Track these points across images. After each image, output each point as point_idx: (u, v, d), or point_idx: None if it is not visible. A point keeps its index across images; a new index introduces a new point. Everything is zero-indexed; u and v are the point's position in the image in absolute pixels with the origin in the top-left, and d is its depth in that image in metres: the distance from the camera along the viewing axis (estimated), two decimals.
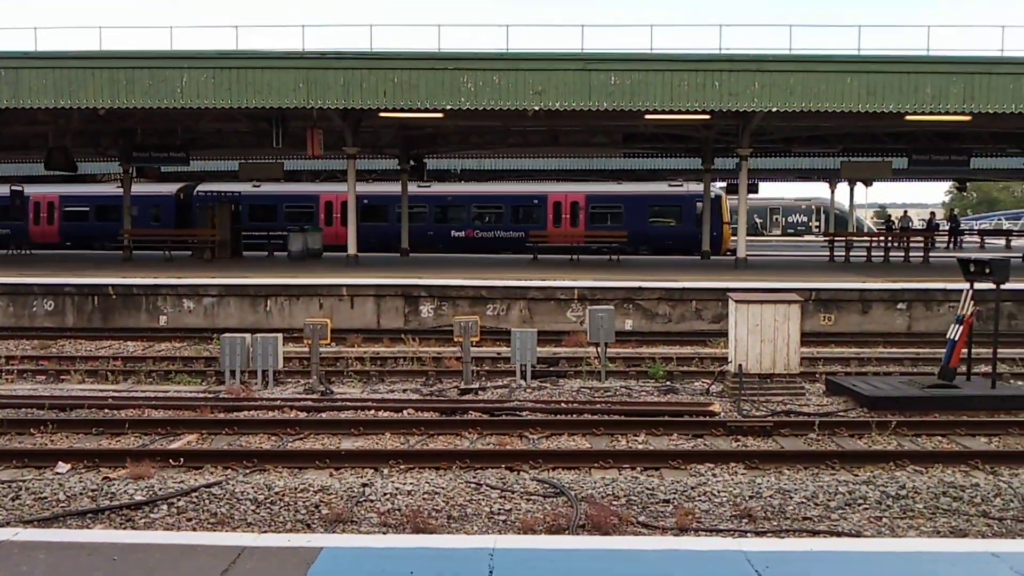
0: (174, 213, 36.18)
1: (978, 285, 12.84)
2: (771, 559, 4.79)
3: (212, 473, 9.33)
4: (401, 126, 27.06)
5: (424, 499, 8.44)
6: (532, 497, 8.55)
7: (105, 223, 35.35)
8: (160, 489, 8.56)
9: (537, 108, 20.66)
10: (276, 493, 8.52)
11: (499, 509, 8.24)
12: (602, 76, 20.39)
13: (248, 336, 13.90)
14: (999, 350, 13.02)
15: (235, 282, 20.07)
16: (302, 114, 22.59)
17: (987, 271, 12.62)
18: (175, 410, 11.90)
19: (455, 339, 14.30)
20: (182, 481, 8.89)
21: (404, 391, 13.47)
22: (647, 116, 22.50)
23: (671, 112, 21.22)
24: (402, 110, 21.14)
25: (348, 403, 12.24)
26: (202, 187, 36.71)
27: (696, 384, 13.96)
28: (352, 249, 24.63)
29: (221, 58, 20.62)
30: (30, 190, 36.75)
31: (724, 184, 35.54)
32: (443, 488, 8.70)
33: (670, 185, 35.44)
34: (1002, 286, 12.69)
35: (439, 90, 20.32)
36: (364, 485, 8.80)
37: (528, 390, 13.38)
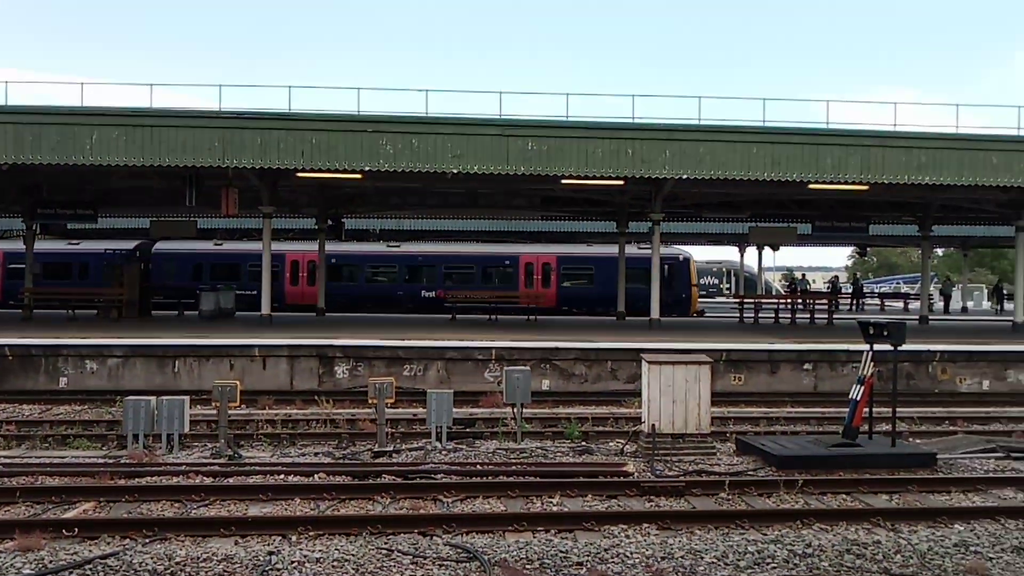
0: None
1: (877, 347, 13.39)
2: None
3: (109, 544, 8.90)
4: (320, 186, 26.96)
5: (333, 567, 8.21)
6: (445, 562, 8.41)
7: (53, 281, 33.73)
8: (51, 562, 8.12)
9: (456, 171, 20.92)
10: (177, 563, 8.17)
11: None
12: (520, 142, 20.83)
13: (153, 399, 13.43)
14: (898, 409, 13.53)
15: (141, 342, 19.44)
16: (218, 173, 22.32)
17: (885, 334, 13.18)
18: (71, 476, 11.36)
19: (370, 400, 14.11)
20: (75, 553, 8.44)
21: (316, 454, 13.16)
22: (564, 181, 23.00)
23: (587, 177, 21.76)
24: (320, 171, 21.12)
25: (257, 467, 11.89)
26: (161, 244, 35.73)
27: (611, 444, 14.05)
28: (266, 309, 24.19)
29: (134, 115, 20.33)
30: None
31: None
32: (353, 555, 8.50)
33: (639, 247, 35.98)
34: (899, 348, 13.25)
35: (358, 152, 20.41)
36: (271, 553, 8.53)
37: (444, 452, 13.25)
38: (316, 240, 36.81)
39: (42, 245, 36.17)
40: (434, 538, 9.15)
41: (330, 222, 30.66)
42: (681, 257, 35.89)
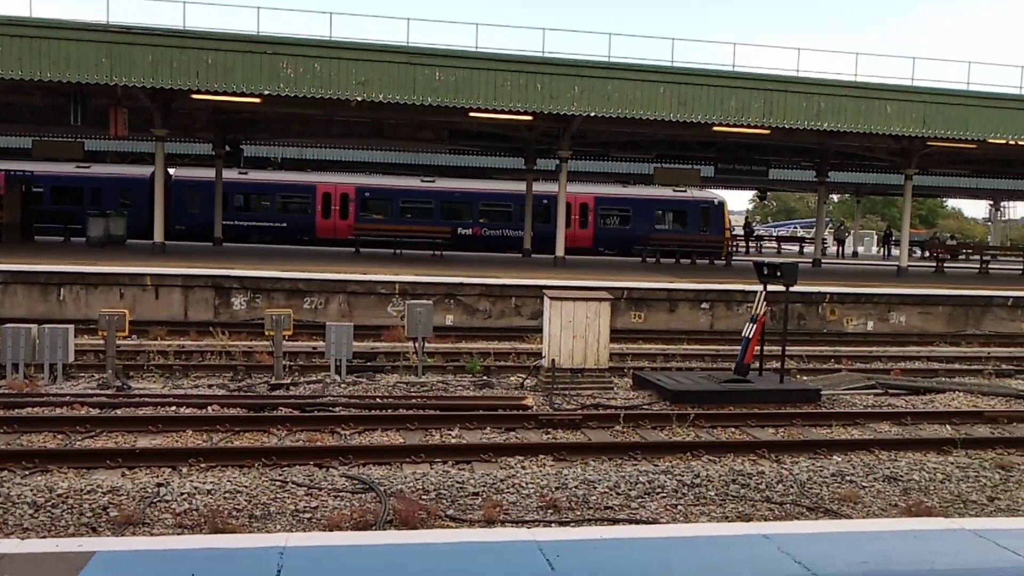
0: (148, 198, 32.74)
1: (771, 287, 13.81)
2: (563, 547, 4.89)
3: None
4: (216, 109, 25.84)
5: (225, 498, 8.05)
6: (340, 494, 8.35)
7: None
8: None
9: (360, 99, 20.33)
10: (59, 495, 7.87)
11: (305, 507, 8.00)
12: (427, 71, 20.35)
13: (34, 327, 12.79)
14: (788, 347, 14.06)
15: (23, 268, 18.44)
16: (105, 91, 21.09)
17: (778, 274, 13.59)
18: None
19: (266, 332, 13.78)
20: None
21: (210, 387, 12.83)
22: (471, 114, 22.66)
23: (495, 111, 21.49)
24: (216, 93, 20.19)
25: (147, 399, 11.51)
26: (181, 172, 33.44)
27: (512, 378, 14.17)
28: (159, 236, 23.27)
29: (10, 24, 18.92)
30: None
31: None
32: (246, 487, 8.35)
33: (674, 191, 35.75)
34: (791, 288, 13.71)
35: (256, 74, 19.59)
36: (160, 485, 8.30)
37: (343, 385, 13.11)
38: (350, 172, 35.83)
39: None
40: (330, 470, 9.07)
41: (227, 148, 29.52)
42: (716, 201, 35.97)
